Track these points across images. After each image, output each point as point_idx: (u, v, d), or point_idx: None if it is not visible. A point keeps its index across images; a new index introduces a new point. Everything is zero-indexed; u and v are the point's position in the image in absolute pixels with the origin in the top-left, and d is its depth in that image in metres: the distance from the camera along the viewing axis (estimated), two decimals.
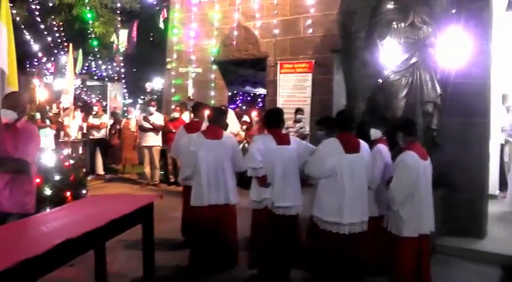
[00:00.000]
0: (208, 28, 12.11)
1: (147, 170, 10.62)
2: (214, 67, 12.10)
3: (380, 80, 6.24)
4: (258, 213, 4.89)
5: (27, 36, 15.62)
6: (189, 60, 11.97)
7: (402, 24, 6.16)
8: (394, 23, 6.19)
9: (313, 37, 10.55)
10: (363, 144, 4.54)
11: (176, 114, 10.66)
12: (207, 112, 6.25)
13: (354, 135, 4.66)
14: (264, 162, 4.70)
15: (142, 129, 10.61)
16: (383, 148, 5.04)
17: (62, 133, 11.15)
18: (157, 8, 13.95)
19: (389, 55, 6.13)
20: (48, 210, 5.74)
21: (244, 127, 10.73)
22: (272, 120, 5.04)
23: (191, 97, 10.71)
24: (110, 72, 16.08)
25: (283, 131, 5.36)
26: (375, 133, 5.18)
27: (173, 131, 10.10)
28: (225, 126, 6.21)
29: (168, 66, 12.57)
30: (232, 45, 11.61)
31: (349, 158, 4.35)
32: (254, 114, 10.44)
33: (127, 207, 4.29)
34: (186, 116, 10.87)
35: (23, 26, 14.81)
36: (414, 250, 4.33)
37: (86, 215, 4.06)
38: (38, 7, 15.98)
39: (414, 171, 4.26)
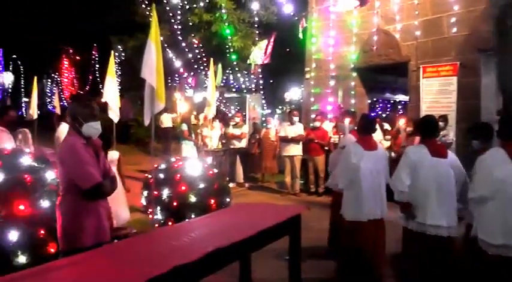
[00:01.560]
0: (347, 35, 11.70)
1: (287, 179, 10.51)
2: (354, 74, 11.63)
3: None
4: (408, 232, 4.41)
5: (170, 54, 16.65)
6: (328, 69, 11.69)
7: None
8: None
9: (457, 37, 9.57)
10: None
11: (317, 124, 10.42)
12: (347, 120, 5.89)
13: None
14: (416, 175, 4.25)
15: (282, 140, 10.58)
16: None
17: (200, 143, 11.47)
18: (296, 18, 13.90)
19: None
20: (193, 217, 5.82)
21: (388, 137, 10.06)
22: (427, 128, 4.50)
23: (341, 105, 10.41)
24: (248, 84, 16.44)
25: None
26: None
27: (315, 140, 9.81)
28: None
29: (307, 76, 12.39)
30: (372, 50, 11.06)
31: None
32: (402, 122, 9.73)
33: (275, 217, 4.13)
34: (327, 125, 10.52)
35: (166, 45, 15.81)
36: None
37: (233, 223, 3.98)
38: (179, 27, 16.99)
39: None
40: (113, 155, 6.78)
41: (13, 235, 4.09)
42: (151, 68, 6.13)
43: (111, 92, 9.30)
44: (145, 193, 7.08)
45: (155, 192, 6.39)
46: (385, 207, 4.93)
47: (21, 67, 47.02)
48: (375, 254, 4.87)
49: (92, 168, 3.51)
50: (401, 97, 17.45)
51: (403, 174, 4.31)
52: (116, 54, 22.72)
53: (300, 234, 4.45)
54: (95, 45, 32.48)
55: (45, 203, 4.41)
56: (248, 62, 15.80)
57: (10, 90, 45.50)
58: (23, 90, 44.79)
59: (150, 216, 6.49)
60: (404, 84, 12.04)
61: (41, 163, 4.81)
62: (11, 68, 48.30)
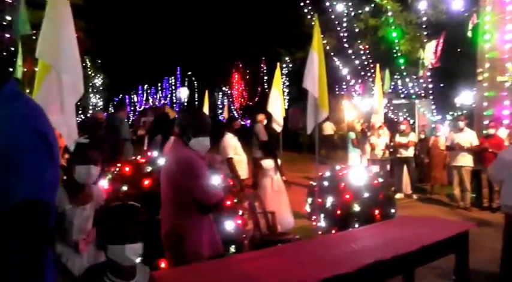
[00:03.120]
0: None
1: (456, 191, 9.78)
2: None
3: None
4: None
5: (336, 62, 16.74)
6: (504, 69, 10.58)
7: None
8: None
9: None
10: None
11: (491, 131, 9.52)
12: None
13: None
14: None
15: (448, 149, 9.95)
16: None
17: (368, 151, 11.29)
18: (466, 14, 12.87)
19: None
20: (356, 226, 5.78)
21: None
22: None
23: None
24: (417, 89, 15.71)
25: None
26: None
27: (489, 149, 9.02)
28: None
29: (479, 78, 11.36)
30: None
31: None
32: None
33: (440, 233, 3.93)
34: (502, 132, 9.58)
35: (332, 53, 15.93)
36: None
37: (397, 236, 3.86)
38: (345, 34, 16.99)
39: None
40: (269, 163, 7.14)
41: None
42: (314, 78, 6.25)
43: (275, 104, 9.74)
44: (309, 200, 7.23)
45: (319, 200, 6.49)
46: None
47: (195, 82, 52.09)
48: None
49: (212, 183, 3.46)
50: None
51: None
52: (284, 65, 23.78)
53: (467, 253, 4.16)
54: (263, 58, 34.22)
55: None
56: (421, 63, 15.05)
57: (185, 104, 50.55)
58: (196, 103, 49.41)
59: (314, 223, 6.61)
60: None
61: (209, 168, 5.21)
62: (186, 84, 53.79)
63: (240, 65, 42.63)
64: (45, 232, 1.58)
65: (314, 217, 6.61)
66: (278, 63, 11.25)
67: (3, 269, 1.48)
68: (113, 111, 11.50)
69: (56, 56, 3.81)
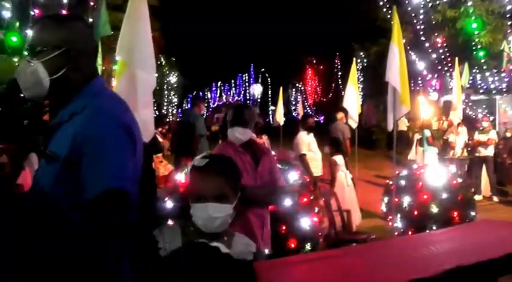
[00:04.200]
0: None
1: None
2: None
3: None
4: None
5: (412, 56, 16.28)
6: None
7: None
8: None
9: None
10: None
11: None
12: None
13: None
14: None
15: None
16: None
17: (449, 150, 10.93)
18: None
19: None
20: (434, 228, 5.66)
21: None
22: None
23: None
24: (497, 84, 14.93)
25: None
26: None
27: None
28: None
29: None
30: None
31: None
32: None
33: None
34: None
35: (408, 47, 15.51)
36: None
37: (479, 241, 3.72)
38: (421, 27, 16.47)
39: None
40: (340, 159, 7.16)
41: None
42: (395, 72, 6.13)
43: (351, 99, 9.66)
44: (385, 199, 7.15)
45: (395, 200, 6.41)
46: None
47: (269, 79, 52.65)
48: None
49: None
50: None
51: None
52: (358, 60, 23.41)
53: None
54: (337, 54, 33.83)
55: (287, 202, 4.73)
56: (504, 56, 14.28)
57: (259, 100, 51.16)
58: (270, 99, 49.85)
59: (390, 223, 6.53)
60: None
61: (284, 165, 5.29)
62: (259, 80, 54.45)
63: (314, 61, 42.42)
64: (125, 223, 1.66)
65: (390, 217, 6.54)
66: (354, 59, 11.15)
67: (83, 257, 1.58)
68: (187, 107, 11.90)
69: (133, 54, 4.00)
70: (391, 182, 6.84)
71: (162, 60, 34.44)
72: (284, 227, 4.76)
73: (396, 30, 6.32)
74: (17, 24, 8.98)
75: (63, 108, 1.75)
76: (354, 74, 10.28)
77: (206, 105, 66.28)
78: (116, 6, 12.12)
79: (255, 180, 3.28)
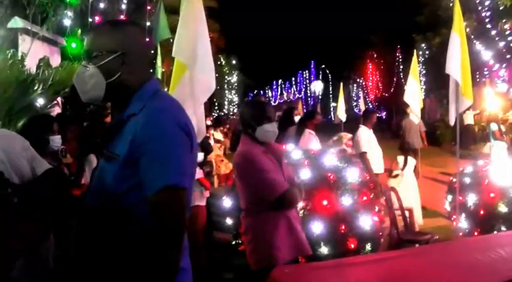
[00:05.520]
0: None
1: None
2: None
3: None
4: None
5: (477, 46, 15.57)
6: None
7: None
8: None
9: None
10: None
11: None
12: None
13: None
14: None
15: None
16: None
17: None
18: None
19: None
20: (503, 229, 5.39)
21: None
22: None
23: None
24: None
25: None
26: None
27: None
28: None
29: None
30: None
31: None
32: None
33: None
34: None
35: (472, 36, 14.83)
36: None
37: None
38: (487, 14, 15.72)
39: None
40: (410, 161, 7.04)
41: (316, 227, 4.48)
42: (456, 62, 5.82)
43: (412, 93, 9.36)
44: (449, 198, 6.90)
45: (460, 198, 6.16)
46: None
47: (329, 75, 52.25)
48: None
49: (276, 175, 3.15)
50: None
51: None
52: (420, 52, 22.70)
53: None
54: (398, 46, 32.91)
55: (346, 200, 4.69)
56: None
57: (320, 97, 50.88)
58: (331, 96, 49.43)
59: (454, 223, 6.30)
60: None
61: (344, 162, 5.18)
62: (320, 77, 54.18)
63: (375, 55, 41.54)
64: (184, 218, 1.70)
65: (454, 217, 6.29)
66: (415, 51, 10.83)
67: (142, 251, 1.62)
68: None
69: (190, 55, 4.02)
70: (454, 180, 6.58)
71: (222, 60, 34.89)
72: (343, 227, 4.70)
73: (457, 17, 6.00)
74: (79, 31, 9.36)
75: (121, 110, 1.82)
76: (415, 67, 9.95)
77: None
78: (174, 9, 12.39)
79: (284, 179, 3.23)
